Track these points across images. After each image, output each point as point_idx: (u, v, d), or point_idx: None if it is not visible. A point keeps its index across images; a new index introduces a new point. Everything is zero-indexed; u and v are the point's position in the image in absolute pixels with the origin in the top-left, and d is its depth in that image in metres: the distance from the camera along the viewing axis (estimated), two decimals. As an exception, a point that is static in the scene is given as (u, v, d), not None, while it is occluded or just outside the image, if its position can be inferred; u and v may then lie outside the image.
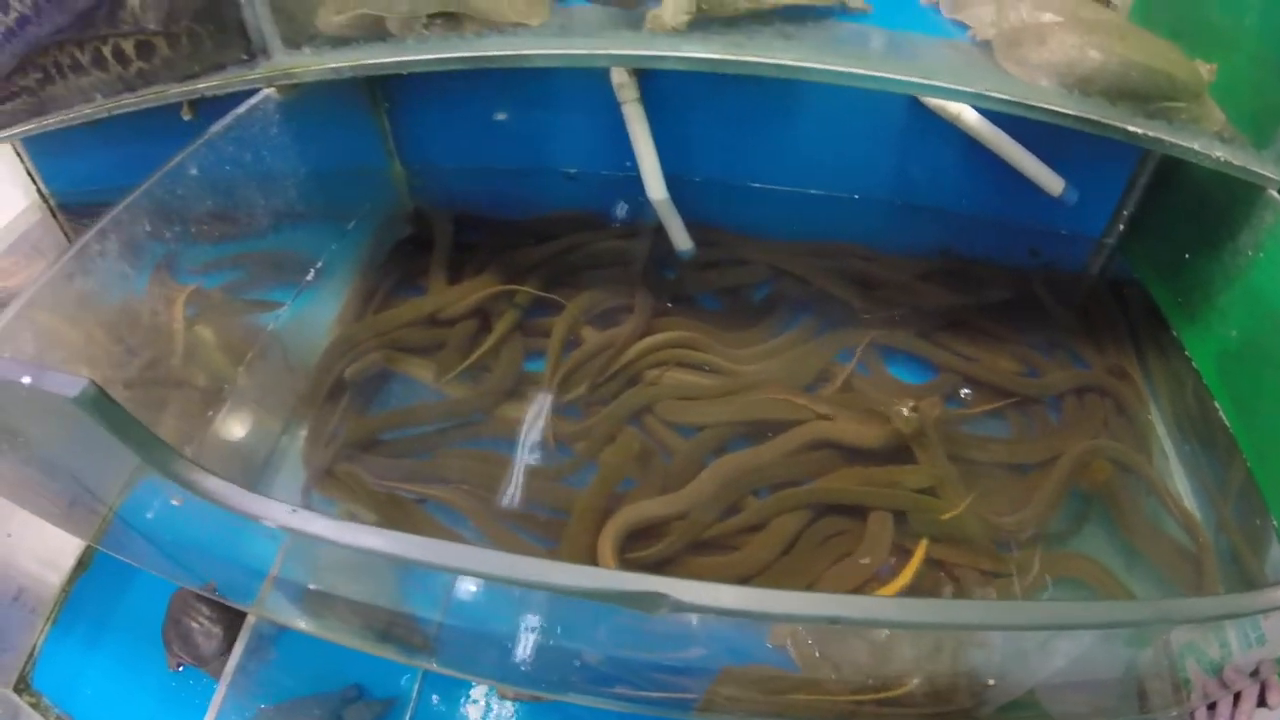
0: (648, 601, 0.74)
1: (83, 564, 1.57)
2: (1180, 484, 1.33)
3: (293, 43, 1.33)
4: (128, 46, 1.56)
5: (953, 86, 1.23)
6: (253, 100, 1.31)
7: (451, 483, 1.25)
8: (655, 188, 1.56)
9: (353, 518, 1.21)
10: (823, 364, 1.41)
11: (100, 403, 0.81)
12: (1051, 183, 1.58)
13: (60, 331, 1.23)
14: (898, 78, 1.21)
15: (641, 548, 1.17)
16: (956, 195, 1.67)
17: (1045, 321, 1.55)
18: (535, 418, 1.32)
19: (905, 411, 1.25)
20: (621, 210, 1.72)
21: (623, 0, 1.29)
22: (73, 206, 2.16)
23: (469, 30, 1.26)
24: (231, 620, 1.41)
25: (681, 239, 1.59)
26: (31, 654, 1.46)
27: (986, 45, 1.39)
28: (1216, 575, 1.19)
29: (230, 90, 1.39)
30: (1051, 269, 1.67)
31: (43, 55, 1.68)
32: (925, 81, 1.22)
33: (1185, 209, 1.54)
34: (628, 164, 1.61)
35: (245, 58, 1.38)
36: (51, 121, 1.75)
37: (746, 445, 1.30)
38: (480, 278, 1.52)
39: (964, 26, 1.48)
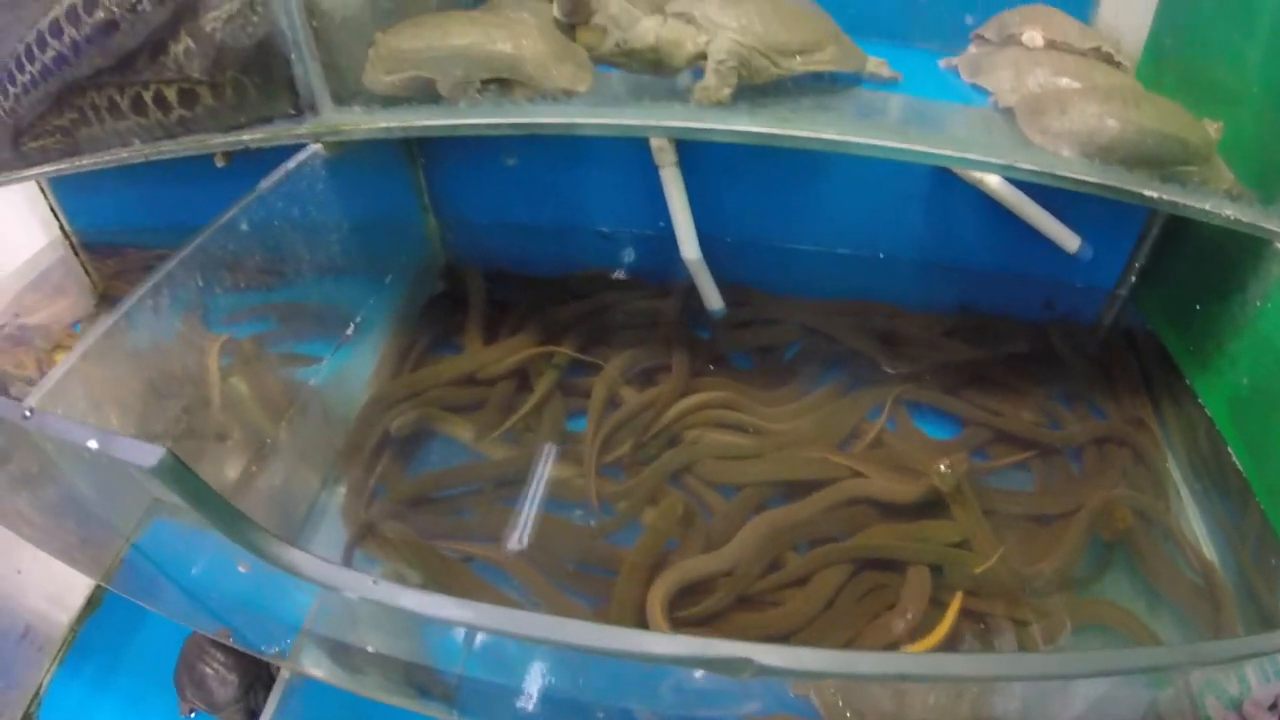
0: (734, 666, 0.73)
1: (93, 603, 1.52)
2: (1197, 527, 1.34)
3: (341, 100, 1.31)
4: (170, 93, 1.52)
5: (985, 159, 1.24)
6: (301, 156, 1.28)
7: (496, 541, 1.21)
8: (689, 248, 1.55)
9: (399, 577, 1.18)
10: (854, 421, 1.42)
11: (178, 472, 0.79)
12: (1068, 241, 1.59)
13: (109, 386, 1.19)
14: (935, 151, 1.23)
15: (688, 605, 1.16)
16: (976, 253, 1.68)
17: (1064, 373, 1.56)
18: (578, 476, 1.28)
19: (943, 468, 1.25)
20: (654, 269, 1.70)
21: (658, 69, 1.26)
22: (95, 245, 2.12)
23: (518, 95, 1.24)
24: (247, 667, 1.35)
25: (713, 298, 1.59)
26: (37, 693, 1.41)
27: (1009, 112, 1.40)
28: (1235, 615, 1.20)
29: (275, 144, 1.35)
30: (1067, 321, 1.68)
31: (79, 96, 1.64)
32: (960, 155, 1.24)
33: (1195, 261, 1.56)
34: (661, 223, 1.60)
35: (293, 112, 1.35)
36: (86, 163, 1.71)
37: (784, 502, 1.29)
38: (517, 338, 1.51)
39: (984, 91, 1.50)
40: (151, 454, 0.79)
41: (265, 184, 1.25)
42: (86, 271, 2.09)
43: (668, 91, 1.27)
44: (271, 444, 1.31)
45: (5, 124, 1.78)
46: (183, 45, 1.44)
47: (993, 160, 1.24)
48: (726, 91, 1.23)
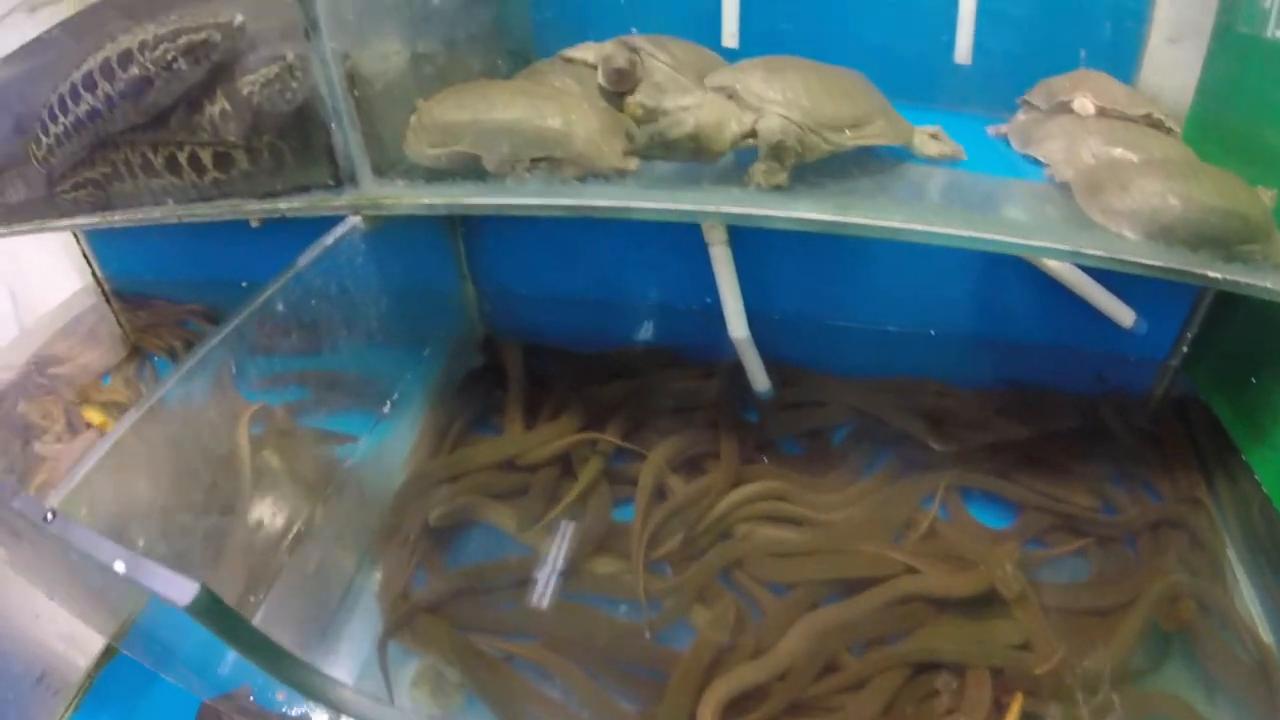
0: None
1: (111, 648, 1.43)
2: (1252, 607, 1.25)
3: (382, 171, 1.22)
4: (205, 155, 1.44)
5: (1053, 246, 1.17)
6: (339, 230, 1.20)
7: (538, 637, 1.12)
8: (737, 327, 1.46)
9: (436, 673, 1.08)
10: (907, 512, 1.32)
11: (213, 609, 0.70)
12: (1123, 316, 1.50)
13: (136, 477, 1.10)
14: (1002, 239, 1.14)
15: (740, 712, 1.06)
16: (1027, 327, 1.59)
17: (1116, 450, 1.46)
18: (625, 572, 1.19)
19: (1008, 569, 1.18)
20: (699, 346, 1.60)
21: (700, 156, 1.18)
22: (127, 294, 2.03)
23: (568, 173, 1.15)
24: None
25: (760, 379, 1.49)
26: (51, 739, 1.31)
27: (1065, 187, 1.32)
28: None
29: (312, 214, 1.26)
30: (1118, 394, 1.58)
31: (113, 150, 1.56)
32: (1027, 242, 1.15)
33: (1250, 331, 1.47)
34: (707, 299, 1.51)
35: (331, 183, 1.26)
36: (118, 218, 1.63)
37: (838, 599, 1.20)
38: (559, 421, 1.41)
39: (1036, 161, 1.42)
40: (186, 590, 0.70)
41: (302, 261, 1.16)
42: (118, 321, 2.00)
43: (721, 171, 1.17)
44: (307, 524, 1.21)
45: (38, 172, 1.70)
46: (219, 107, 1.36)
47: (1060, 247, 1.16)
48: (783, 175, 1.14)
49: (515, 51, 1.63)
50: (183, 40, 1.32)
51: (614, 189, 1.13)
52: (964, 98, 1.60)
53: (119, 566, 0.75)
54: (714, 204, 1.10)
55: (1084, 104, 1.46)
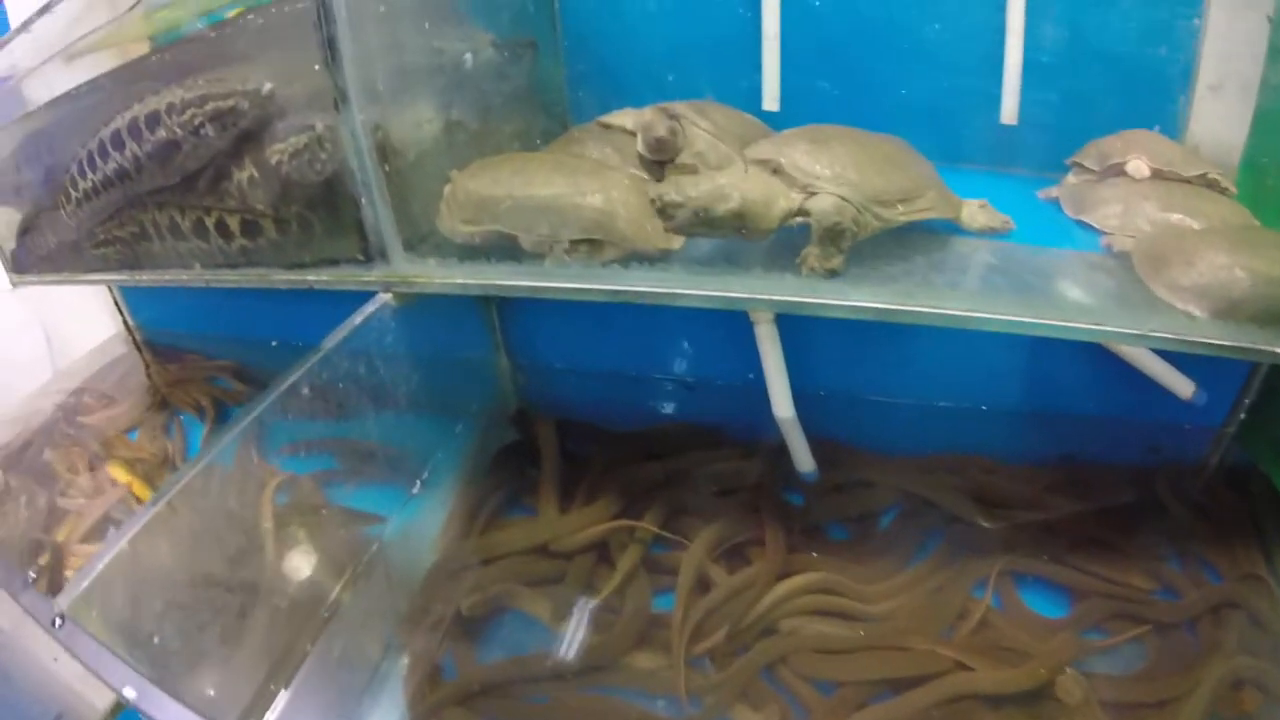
0: None
1: None
2: None
3: (413, 246, 1.13)
4: (233, 222, 1.36)
5: (1122, 330, 1.08)
6: (369, 309, 1.11)
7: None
8: (783, 406, 1.35)
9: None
10: (958, 603, 1.21)
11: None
12: (1182, 387, 1.40)
13: (151, 570, 1.01)
14: (1071, 325, 1.06)
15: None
16: (1080, 399, 1.49)
17: (1173, 527, 1.35)
18: (665, 667, 1.09)
19: (1068, 672, 1.09)
20: (741, 424, 1.49)
21: (745, 233, 1.08)
22: (158, 345, 1.96)
23: (609, 254, 1.06)
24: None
25: (805, 460, 1.38)
26: (68, 782, 1.23)
27: (1125, 258, 1.22)
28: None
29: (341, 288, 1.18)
30: (1172, 465, 1.47)
31: (141, 210, 1.49)
32: (1096, 327, 1.06)
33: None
34: (750, 375, 1.41)
35: (361, 258, 1.17)
36: (145, 278, 1.56)
37: (887, 697, 1.10)
38: (596, 505, 1.31)
39: (1089, 227, 1.32)
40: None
41: (329, 342, 1.07)
42: (148, 372, 1.92)
43: (769, 249, 1.07)
44: (332, 608, 1.12)
45: (67, 226, 1.63)
46: (247, 174, 1.28)
47: (1128, 331, 1.08)
48: (839, 259, 1.04)
49: (550, 116, 1.54)
50: (210, 107, 1.24)
51: (659, 274, 1.04)
52: (1010, 158, 1.50)
53: (129, 693, 0.69)
54: (766, 292, 1.01)
55: (1138, 166, 1.35)
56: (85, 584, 0.89)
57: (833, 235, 1.04)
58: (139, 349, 1.96)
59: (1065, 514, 1.35)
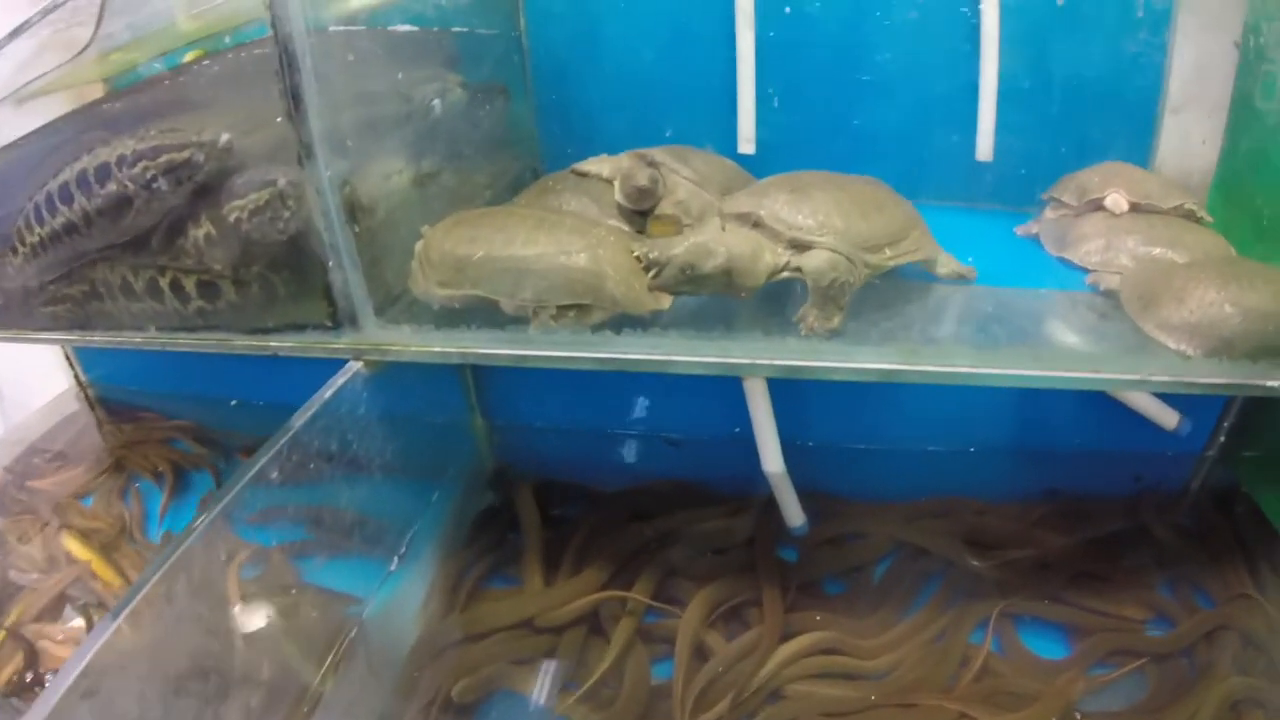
0: None
1: None
2: None
3: (386, 311, 1.00)
4: (188, 283, 1.22)
5: (1124, 377, 1.05)
6: (339, 380, 0.99)
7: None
8: (772, 461, 1.25)
9: None
10: (960, 648, 1.13)
11: None
12: (1168, 419, 1.34)
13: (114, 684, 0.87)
14: (1076, 375, 1.00)
15: None
16: (1066, 435, 1.42)
17: (1161, 553, 1.29)
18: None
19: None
20: (728, 479, 1.37)
21: (732, 290, 0.98)
22: (112, 403, 1.79)
23: (597, 317, 0.94)
24: None
25: (795, 514, 1.28)
26: None
27: (1113, 297, 1.17)
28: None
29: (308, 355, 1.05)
30: (1156, 492, 1.40)
31: (91, 268, 1.34)
32: (1100, 376, 1.01)
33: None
34: (736, 429, 1.29)
35: (329, 324, 1.04)
36: (97, 339, 1.41)
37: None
38: (583, 576, 1.19)
39: (1071, 264, 1.27)
40: None
41: (298, 420, 0.94)
42: (100, 429, 1.75)
43: (761, 306, 0.97)
44: (313, 699, 0.99)
45: (15, 282, 1.47)
46: (203, 231, 1.15)
47: (1128, 377, 1.04)
48: (839, 318, 0.94)
49: (521, 162, 1.42)
50: (163, 159, 1.11)
51: (653, 339, 0.93)
52: (984, 194, 1.44)
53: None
54: (767, 355, 0.91)
55: (1117, 200, 1.29)
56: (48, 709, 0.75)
57: (831, 294, 0.94)
58: (92, 407, 1.80)
59: (1057, 550, 1.29)
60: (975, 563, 1.26)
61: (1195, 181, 1.43)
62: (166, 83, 1.20)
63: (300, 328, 1.08)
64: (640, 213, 1.18)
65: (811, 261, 0.94)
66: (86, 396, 1.84)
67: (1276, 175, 1.26)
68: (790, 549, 1.27)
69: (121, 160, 1.17)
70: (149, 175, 1.13)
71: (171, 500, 1.49)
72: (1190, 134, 1.44)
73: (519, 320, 0.98)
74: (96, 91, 1.45)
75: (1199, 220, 1.32)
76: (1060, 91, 1.41)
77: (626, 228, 1.15)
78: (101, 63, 1.40)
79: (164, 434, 1.64)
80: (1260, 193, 1.28)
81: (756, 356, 0.92)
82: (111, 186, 1.19)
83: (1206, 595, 1.23)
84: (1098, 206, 1.33)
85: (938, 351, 0.95)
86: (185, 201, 1.15)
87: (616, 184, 1.20)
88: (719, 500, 1.32)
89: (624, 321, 0.96)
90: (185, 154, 1.10)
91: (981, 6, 1.32)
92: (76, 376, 1.86)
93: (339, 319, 1.04)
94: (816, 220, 1.00)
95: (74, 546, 1.45)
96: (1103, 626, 1.18)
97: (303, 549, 1.10)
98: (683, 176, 1.19)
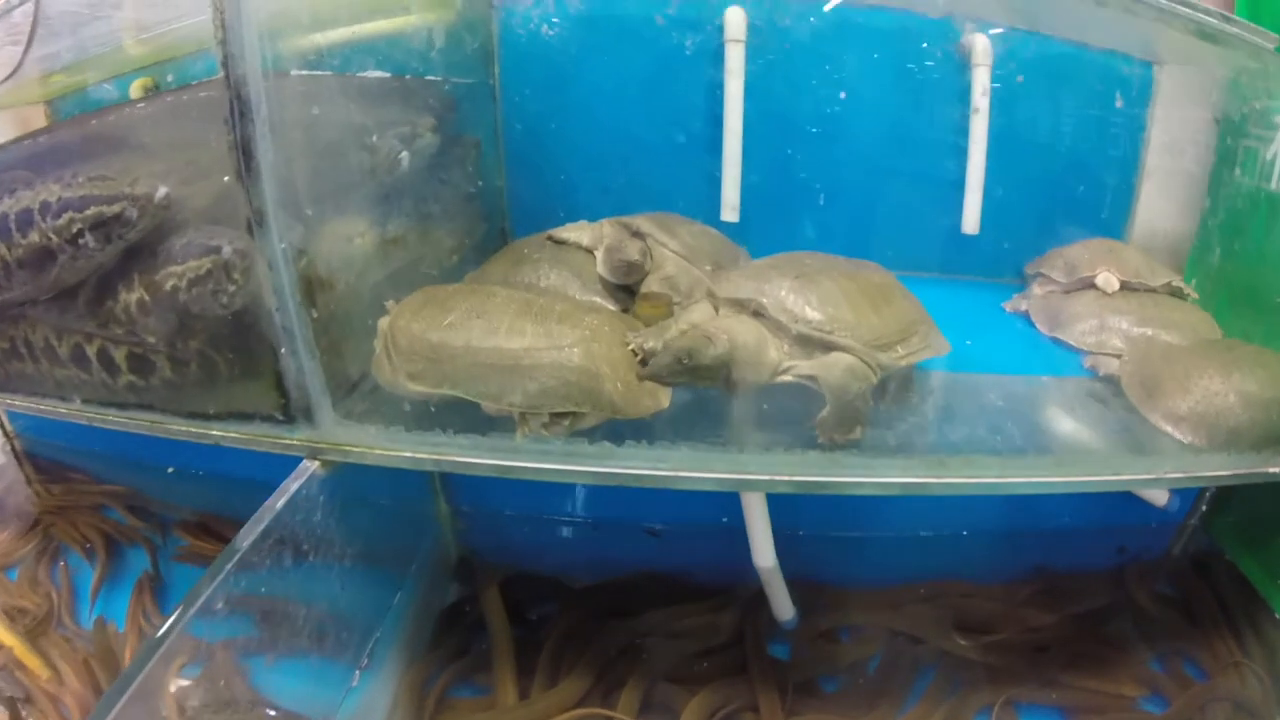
0: None
1: None
2: None
3: (348, 404, 0.80)
4: (118, 354, 1.01)
5: (1141, 477, 0.96)
6: (291, 486, 0.79)
7: None
8: (764, 555, 1.06)
9: None
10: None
11: None
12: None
13: None
14: (1095, 479, 0.89)
15: None
16: (1054, 515, 1.29)
17: (1150, 626, 1.20)
18: None
19: None
20: (713, 570, 1.17)
21: (737, 387, 0.82)
22: (41, 459, 1.53)
23: (590, 422, 0.76)
24: None
25: (785, 608, 1.11)
26: None
27: (1114, 384, 1.07)
28: None
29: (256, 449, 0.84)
30: (1140, 562, 1.30)
31: (11, 324, 1.09)
32: (1118, 478, 0.91)
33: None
34: (724, 519, 1.10)
35: (280, 416, 0.83)
36: (17, 404, 1.17)
37: None
38: (562, 688, 0.99)
39: (1065, 344, 1.18)
40: None
41: (244, 542, 0.73)
42: (30, 485, 1.49)
43: (770, 410, 0.80)
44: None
45: (-70, 332, 1.21)
46: (135, 296, 0.94)
47: (1144, 477, 0.96)
48: (860, 430, 0.77)
49: (490, 224, 1.23)
50: (91, 212, 0.90)
51: (659, 451, 0.75)
52: (968, 266, 1.29)
53: None
54: (785, 469, 0.73)
55: (1108, 279, 1.19)
56: None
57: (855, 405, 0.77)
58: (20, 461, 1.53)
59: (1048, 630, 1.18)
60: (968, 650, 1.13)
61: (1170, 250, 1.35)
62: (102, 119, 1.02)
63: (247, 417, 0.87)
64: (625, 288, 1.00)
65: (832, 374, 0.78)
66: (14, 449, 1.57)
67: (1255, 248, 1.18)
68: (780, 643, 1.09)
69: (45, 208, 0.95)
70: (75, 229, 0.92)
71: (104, 580, 1.25)
72: (1167, 206, 1.36)
73: (502, 421, 0.78)
74: (38, 115, 1.26)
75: (1185, 297, 1.26)
76: (1042, 164, 1.29)
77: (612, 306, 0.96)
78: (43, 84, 1.22)
79: (95, 499, 1.40)
80: (1238, 265, 1.22)
81: (775, 472, 0.74)
82: (34, 237, 0.97)
83: (1197, 665, 1.15)
84: (1088, 284, 1.22)
85: (965, 463, 0.81)
86: (116, 260, 0.93)
87: (600, 256, 1.02)
88: (701, 594, 1.13)
89: (620, 426, 0.77)
90: (116, 208, 0.89)
91: (972, 81, 1.19)
92: (2, 426, 1.59)
93: (291, 412, 0.83)
94: (826, 314, 0.84)
95: (-3, 629, 1.20)
96: (1100, 706, 1.08)
97: (259, 670, 0.88)
98: (670, 249, 1.02)
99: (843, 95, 1.19)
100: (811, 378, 0.79)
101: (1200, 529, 1.33)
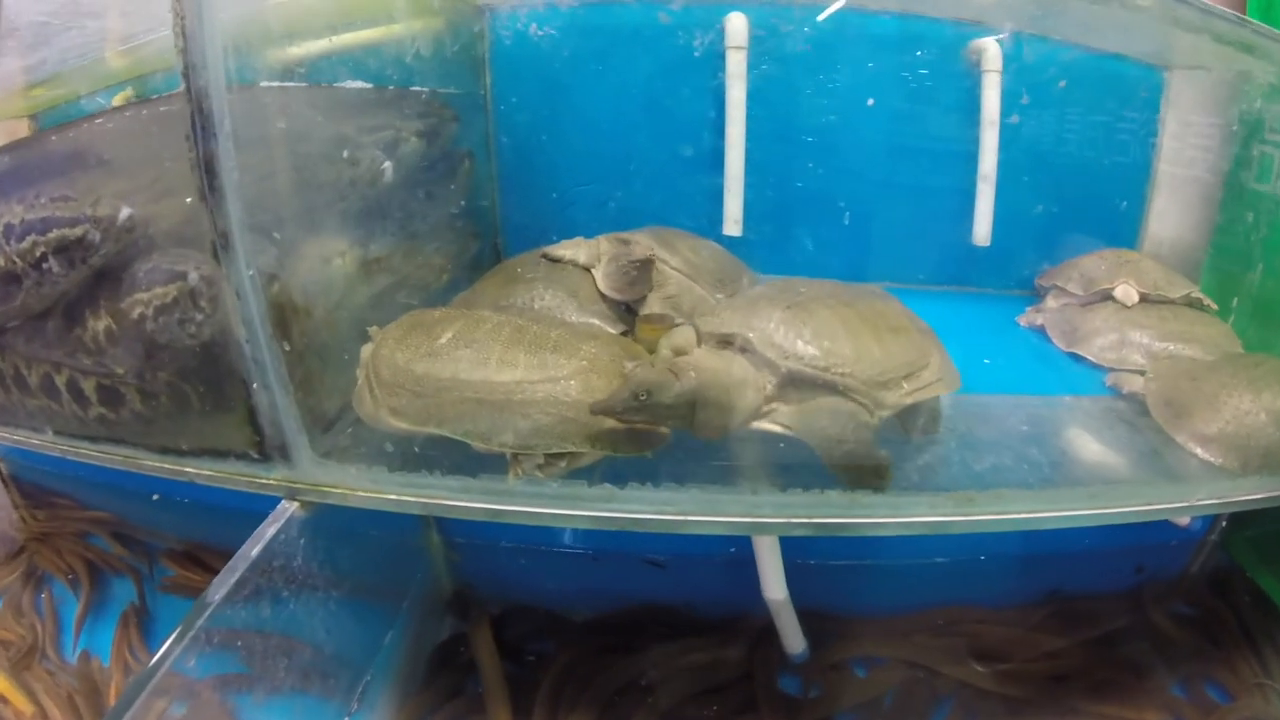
0: None
1: None
2: None
3: (327, 442, 0.70)
4: (87, 385, 0.91)
5: (1173, 505, 0.84)
6: (268, 531, 0.69)
7: None
8: (775, 587, 0.96)
9: None
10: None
11: None
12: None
13: None
14: (1130, 509, 0.81)
15: None
16: (1071, 536, 1.16)
17: (1170, 648, 1.11)
18: None
19: None
20: (718, 602, 1.07)
21: (706, 432, 0.70)
22: (26, 482, 1.42)
23: (587, 461, 0.65)
24: None
25: (796, 641, 1.01)
26: None
27: (1138, 403, 0.98)
28: None
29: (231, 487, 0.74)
30: (1158, 581, 1.21)
31: None
32: (1150, 508, 0.82)
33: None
34: (732, 549, 0.99)
35: (254, 455, 0.73)
36: (-10, 432, 1.05)
37: None
38: None
39: (1083, 359, 1.08)
40: None
41: (217, 591, 0.64)
42: (16, 509, 1.39)
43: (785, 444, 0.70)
44: None
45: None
46: (103, 324, 0.83)
47: (1178, 505, 0.84)
48: (884, 475, 0.67)
49: (482, 240, 1.13)
50: (54, 235, 0.80)
51: (666, 494, 0.65)
52: (976, 278, 1.19)
53: None
54: (804, 513, 0.62)
55: (1127, 292, 1.11)
56: None
57: (854, 455, 0.66)
58: (6, 485, 1.43)
59: (1067, 657, 1.09)
60: (986, 681, 1.04)
61: (1182, 260, 1.25)
62: (65, 134, 0.90)
63: (220, 454, 0.77)
64: (625, 307, 0.90)
65: (815, 425, 0.67)
66: (0, 472, 1.46)
67: (1272, 256, 1.11)
68: (790, 677, 0.99)
69: (9, 231, 0.86)
70: (38, 253, 0.82)
71: (88, 611, 1.15)
72: (1179, 215, 1.27)
73: (493, 459, 0.68)
74: (23, 129, 1.16)
75: (1203, 308, 1.17)
76: (1054, 175, 1.20)
77: (612, 329, 0.86)
78: (26, 98, 1.13)
79: (79, 527, 1.30)
80: (1258, 274, 1.14)
81: (792, 514, 0.64)
82: (-1, 261, 0.86)
83: (1219, 687, 1.07)
84: (1105, 297, 1.13)
85: (994, 498, 0.72)
86: (83, 285, 0.83)
87: (602, 268, 0.92)
88: (706, 628, 1.03)
89: (621, 464, 0.67)
90: (78, 231, 0.80)
91: (982, 88, 1.09)
92: (-12, 450, 1.48)
93: (266, 450, 0.73)
94: (820, 348, 0.73)
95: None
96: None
97: (235, 683, 0.78)
98: (671, 266, 0.92)
99: (870, 102, 1.10)
100: (789, 429, 0.68)
101: (1218, 545, 1.23)
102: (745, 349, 0.74)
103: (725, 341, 0.75)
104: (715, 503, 0.66)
